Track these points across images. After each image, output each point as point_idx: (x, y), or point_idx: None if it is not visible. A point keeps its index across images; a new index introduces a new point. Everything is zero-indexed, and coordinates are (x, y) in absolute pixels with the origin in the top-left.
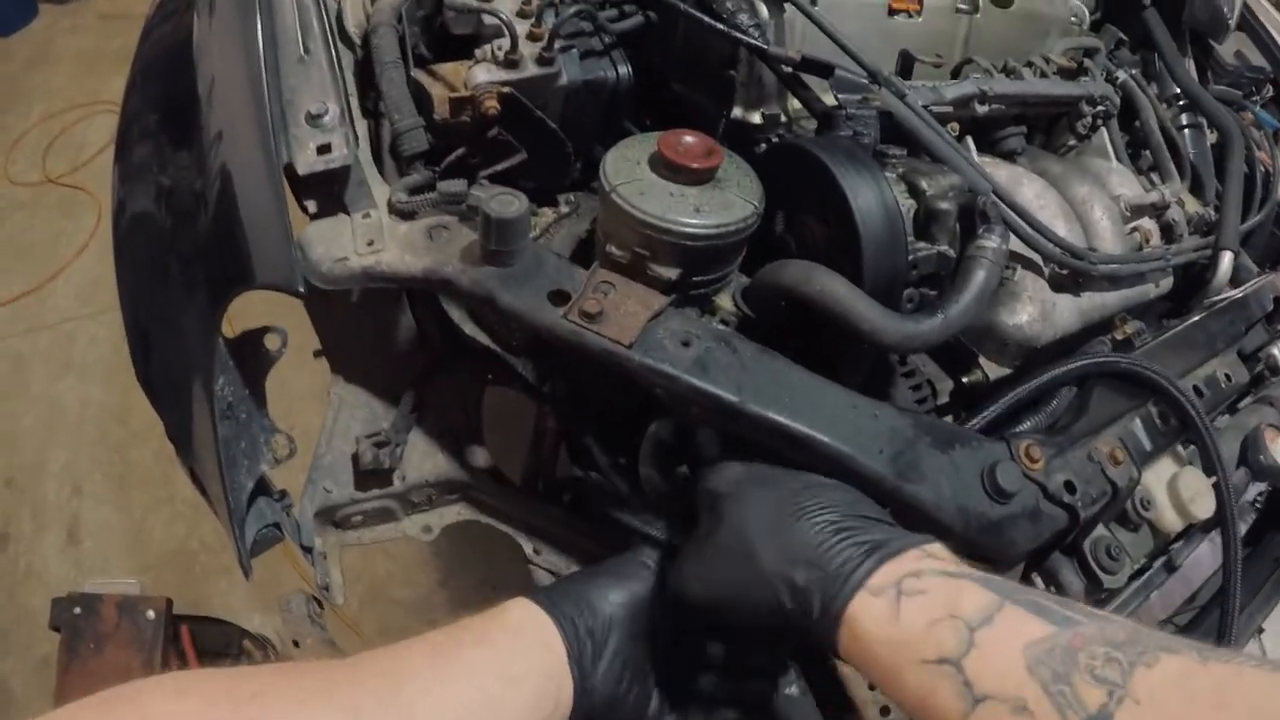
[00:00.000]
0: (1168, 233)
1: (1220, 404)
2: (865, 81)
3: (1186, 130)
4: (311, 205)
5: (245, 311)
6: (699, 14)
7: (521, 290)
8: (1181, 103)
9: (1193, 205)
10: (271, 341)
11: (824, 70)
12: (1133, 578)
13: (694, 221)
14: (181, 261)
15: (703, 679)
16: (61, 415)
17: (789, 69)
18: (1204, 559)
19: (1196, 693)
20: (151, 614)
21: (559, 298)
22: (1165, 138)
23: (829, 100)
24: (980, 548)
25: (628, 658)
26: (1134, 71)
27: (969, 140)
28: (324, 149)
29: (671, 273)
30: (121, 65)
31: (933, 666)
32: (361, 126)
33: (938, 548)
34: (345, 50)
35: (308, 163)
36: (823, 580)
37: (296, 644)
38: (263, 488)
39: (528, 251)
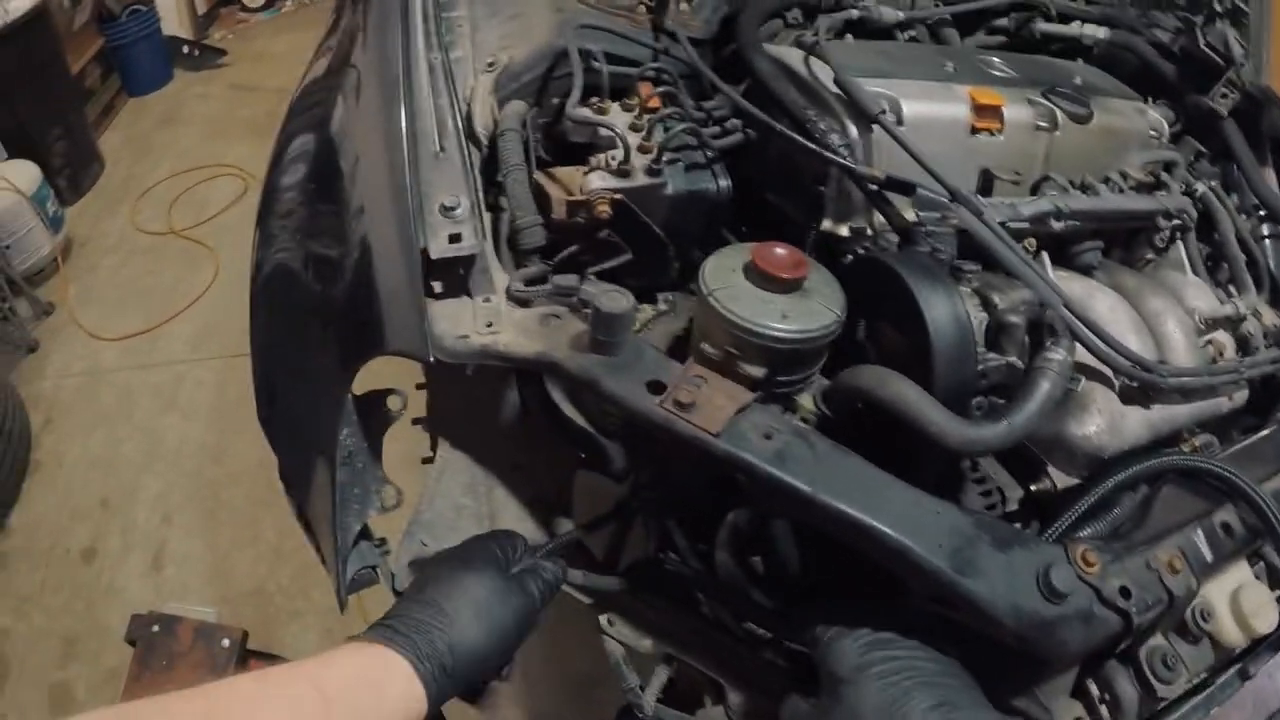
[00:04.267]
0: (1243, 345)
1: None
2: (945, 199)
3: (1268, 240)
4: (438, 286)
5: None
6: (794, 134)
7: (622, 378)
8: (1261, 213)
9: (1271, 317)
10: (394, 403)
11: (906, 189)
12: (1197, 689)
13: (780, 326)
14: (317, 321)
15: None
16: (161, 447)
17: (874, 187)
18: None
19: None
20: (227, 642)
21: (656, 387)
22: (1244, 249)
23: (910, 216)
24: (1032, 645)
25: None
26: (1213, 183)
27: (1044, 255)
28: (455, 238)
29: (758, 372)
30: (247, 133)
31: None
32: (489, 221)
33: None
34: (472, 148)
35: (440, 249)
36: None
37: None
38: (365, 533)
39: (630, 344)
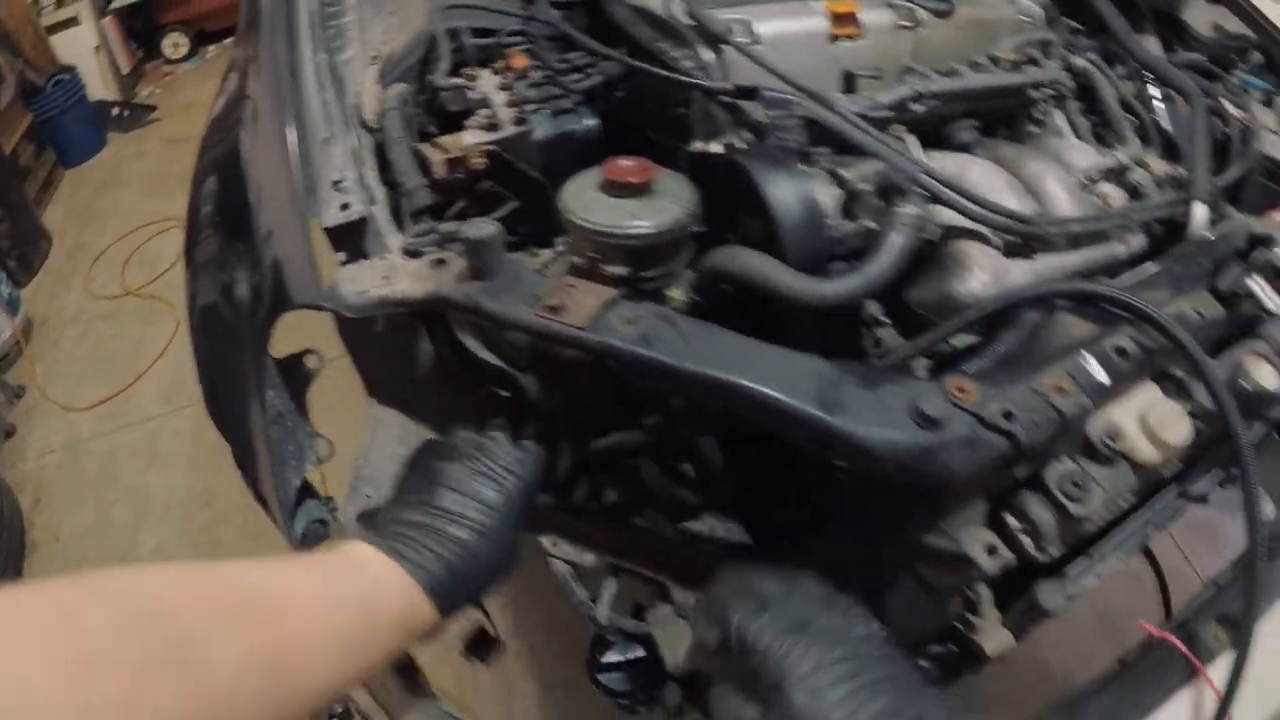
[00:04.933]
0: (1134, 194)
1: (1195, 338)
2: (786, 96)
3: (1160, 104)
4: (341, 255)
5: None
6: (647, 66)
7: (501, 298)
8: (1148, 78)
9: (1161, 166)
10: (311, 361)
11: (750, 94)
12: (1134, 511)
13: (630, 224)
14: (238, 305)
15: None
16: (149, 503)
17: (726, 99)
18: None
19: None
20: None
21: (532, 299)
22: (1129, 111)
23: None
24: (914, 474)
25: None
26: (1091, 55)
27: (912, 138)
28: (344, 206)
29: (620, 270)
30: (186, 184)
31: None
32: (382, 194)
33: None
34: (366, 135)
35: (333, 218)
36: None
37: None
38: (312, 492)
39: (508, 269)
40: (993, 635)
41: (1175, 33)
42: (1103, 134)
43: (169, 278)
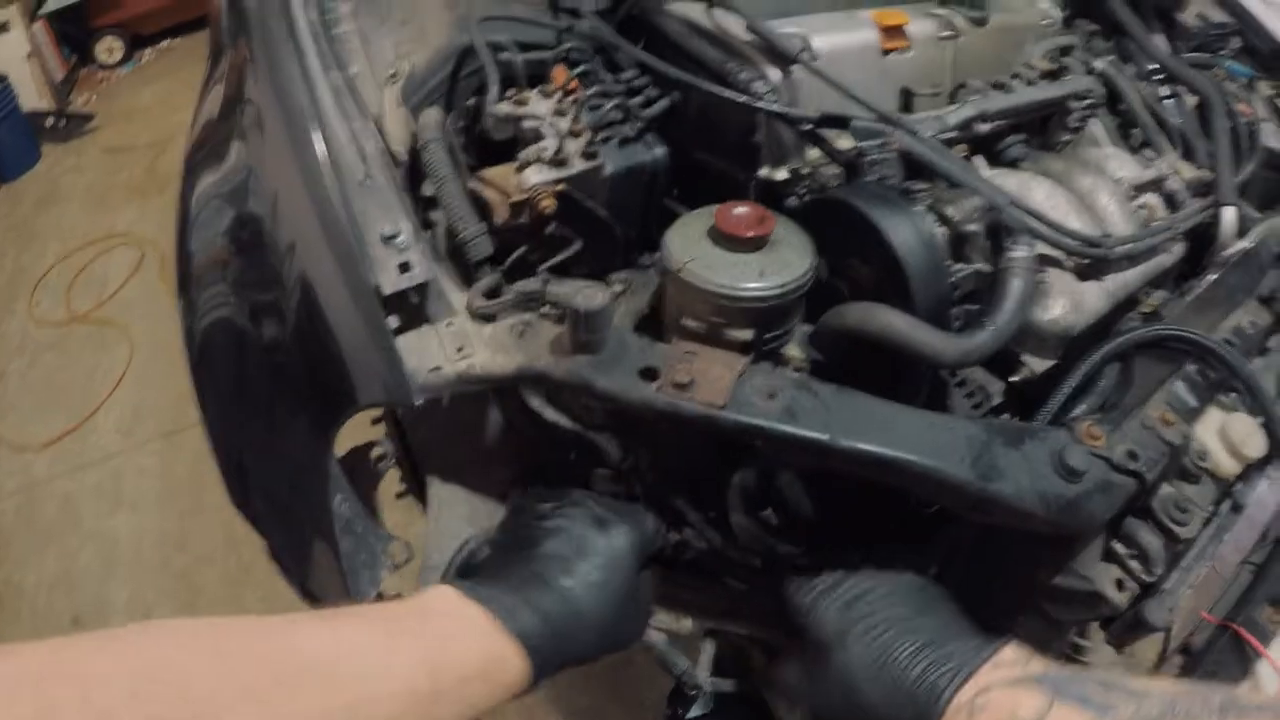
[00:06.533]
0: (1171, 202)
1: (1251, 349)
2: (878, 125)
3: (1169, 101)
4: (394, 321)
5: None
6: (718, 89)
7: (613, 373)
8: (1158, 77)
9: (1189, 171)
10: (378, 454)
11: (841, 123)
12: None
13: (760, 285)
14: (275, 385)
15: None
16: (118, 549)
17: (809, 127)
18: (1266, 496)
19: None
20: None
21: (649, 374)
22: (1151, 114)
23: (849, 148)
24: (1064, 526)
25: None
26: (1110, 59)
27: (979, 159)
28: (404, 266)
29: (746, 334)
30: (130, 196)
31: None
32: (432, 246)
33: (1009, 653)
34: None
35: (392, 283)
36: (916, 711)
37: None
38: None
39: (613, 337)
40: (1099, 654)
41: (1168, 25)
42: (1128, 135)
43: (120, 299)
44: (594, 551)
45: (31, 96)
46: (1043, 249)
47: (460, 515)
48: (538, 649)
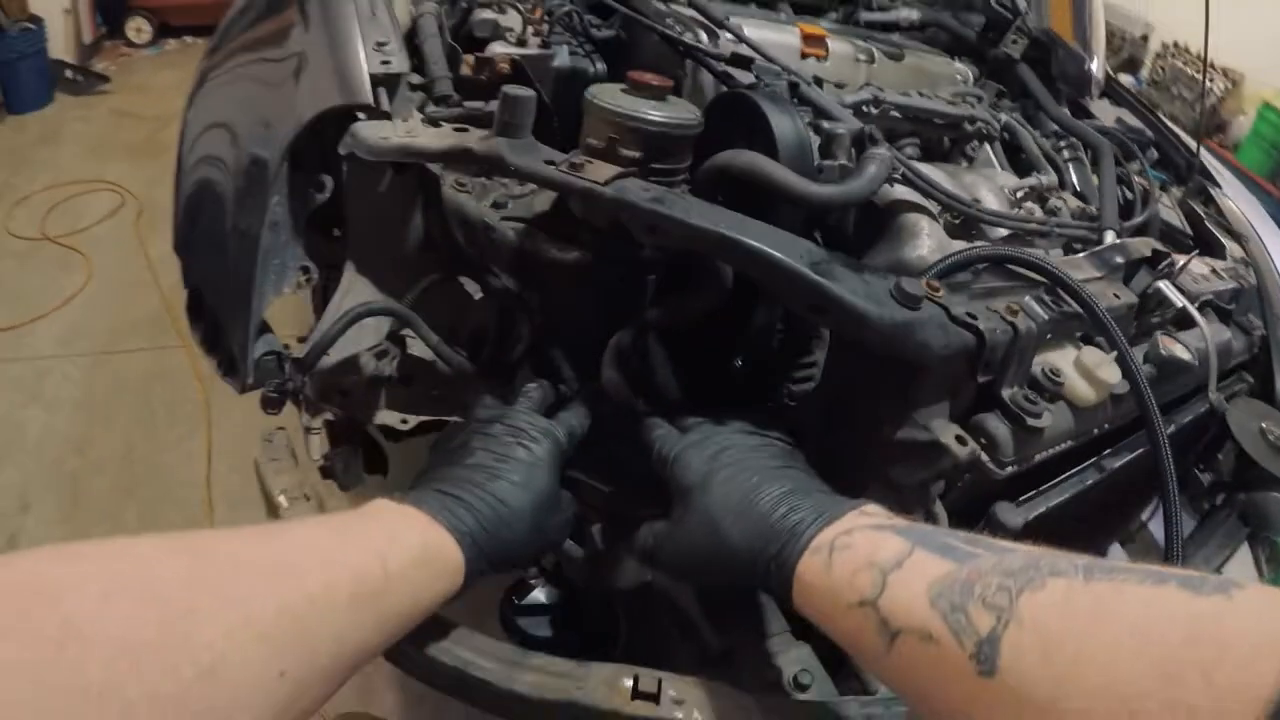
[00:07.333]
0: (1053, 215)
1: (1113, 317)
2: (775, 68)
3: (1070, 164)
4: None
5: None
6: (660, 28)
7: (524, 156)
8: (1061, 142)
9: (1075, 202)
10: (319, 187)
11: (746, 63)
12: (1062, 466)
13: (651, 112)
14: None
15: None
16: (20, 438)
17: (721, 66)
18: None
19: (1076, 610)
20: None
21: (551, 163)
22: (1049, 161)
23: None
24: (897, 345)
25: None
26: (1015, 115)
27: None
28: (385, 61)
29: (634, 153)
30: (126, 154)
31: (856, 609)
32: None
33: (872, 507)
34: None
35: (374, 67)
36: (778, 548)
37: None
38: (270, 329)
39: (530, 136)
40: None
41: (1084, 118)
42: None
43: (91, 234)
44: (515, 459)
45: (59, 48)
46: (913, 197)
47: (361, 299)
48: (471, 539)
